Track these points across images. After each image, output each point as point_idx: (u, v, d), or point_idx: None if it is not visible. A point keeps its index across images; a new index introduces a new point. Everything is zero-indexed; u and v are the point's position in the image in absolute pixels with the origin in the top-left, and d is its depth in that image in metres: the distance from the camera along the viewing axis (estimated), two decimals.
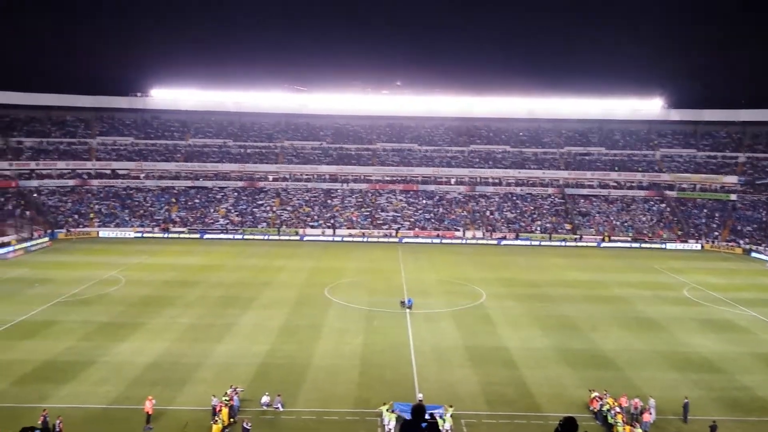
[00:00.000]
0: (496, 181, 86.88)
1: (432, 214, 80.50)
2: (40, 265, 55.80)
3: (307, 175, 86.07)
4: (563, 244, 74.68)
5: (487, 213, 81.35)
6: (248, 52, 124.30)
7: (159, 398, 25.81)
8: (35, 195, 77.62)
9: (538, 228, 78.39)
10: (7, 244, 62.74)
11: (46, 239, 67.48)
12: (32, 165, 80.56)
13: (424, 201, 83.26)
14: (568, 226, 79.01)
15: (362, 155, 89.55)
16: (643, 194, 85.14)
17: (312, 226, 76.75)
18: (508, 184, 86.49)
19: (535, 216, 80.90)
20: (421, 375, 30.21)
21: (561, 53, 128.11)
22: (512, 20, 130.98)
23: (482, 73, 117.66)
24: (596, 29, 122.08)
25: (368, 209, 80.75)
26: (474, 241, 74.59)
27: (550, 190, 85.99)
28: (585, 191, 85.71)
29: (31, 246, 64.26)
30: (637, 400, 26.32)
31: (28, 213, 72.31)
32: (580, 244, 74.89)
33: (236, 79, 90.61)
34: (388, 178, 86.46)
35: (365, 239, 74.07)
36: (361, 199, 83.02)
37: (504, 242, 74.54)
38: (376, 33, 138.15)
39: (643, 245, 74.55)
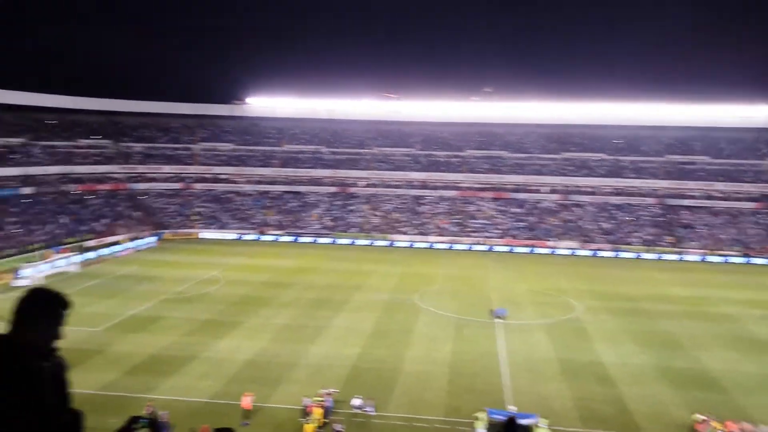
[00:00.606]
0: (591, 190, 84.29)
1: (523, 223, 79.14)
2: (148, 264, 59.25)
3: (397, 181, 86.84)
4: (663, 257, 71.32)
5: (582, 223, 79.05)
6: (341, 61, 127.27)
7: (256, 395, 26.79)
8: (143, 197, 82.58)
9: (637, 240, 75.34)
10: (120, 243, 67.12)
11: (153, 239, 71.53)
12: (141, 169, 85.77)
13: (515, 209, 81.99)
14: (668, 239, 75.46)
15: (452, 162, 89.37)
16: (752, 206, 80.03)
17: (402, 232, 77.30)
18: (604, 194, 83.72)
19: (633, 227, 77.82)
20: (512, 386, 29.78)
21: (661, 57, 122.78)
22: (607, 22, 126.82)
23: (576, 78, 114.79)
24: (700, 31, 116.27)
25: (458, 217, 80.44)
26: (567, 252, 72.62)
27: (650, 201, 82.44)
28: (687, 202, 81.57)
29: (140, 245, 68.33)
30: (746, 423, 24.81)
31: (137, 214, 77.00)
32: (681, 257, 71.27)
33: (329, 87, 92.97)
34: (478, 186, 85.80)
35: (455, 247, 73.70)
36: (450, 207, 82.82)
37: (599, 253, 72.12)
38: (467, 39, 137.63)
39: (753, 260, 70.00)
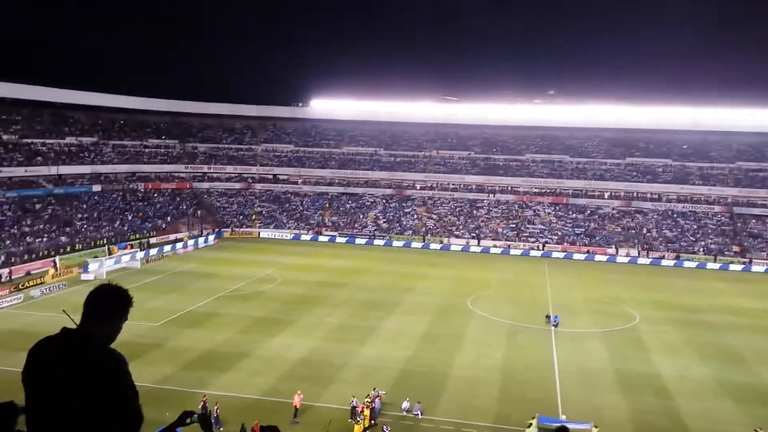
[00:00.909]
0: (655, 196, 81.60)
1: (582, 229, 77.36)
2: (207, 261, 60.92)
3: (453, 184, 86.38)
4: (729, 267, 68.37)
5: (644, 230, 76.65)
6: (401, 63, 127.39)
7: (306, 394, 27.18)
8: (206, 196, 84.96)
9: (701, 249, 72.49)
10: (181, 240, 69.27)
11: (214, 237, 73.47)
12: (205, 168, 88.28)
13: (574, 215, 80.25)
14: (736, 249, 72.30)
15: (510, 166, 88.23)
16: None
17: (457, 236, 76.85)
18: (669, 201, 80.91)
19: (698, 236, 74.93)
20: (565, 396, 29.19)
21: (734, 59, 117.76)
22: (675, 20, 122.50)
23: (642, 81, 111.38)
24: None
25: (515, 221, 79.37)
26: (627, 260, 70.54)
27: (717, 209, 79.16)
28: (758, 211, 77.86)
29: (201, 243, 70.31)
30: None
31: (199, 212, 79.30)
32: (748, 268, 68.14)
33: (389, 90, 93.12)
34: (536, 190, 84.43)
35: (510, 252, 72.71)
36: (507, 211, 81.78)
37: (661, 262, 69.74)
38: (528, 41, 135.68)
39: None
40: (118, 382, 2.99)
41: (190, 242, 69.27)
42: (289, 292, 48.53)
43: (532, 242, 74.95)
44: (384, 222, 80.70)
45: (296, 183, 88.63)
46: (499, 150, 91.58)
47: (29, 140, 71.80)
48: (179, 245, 67.32)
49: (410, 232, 78.49)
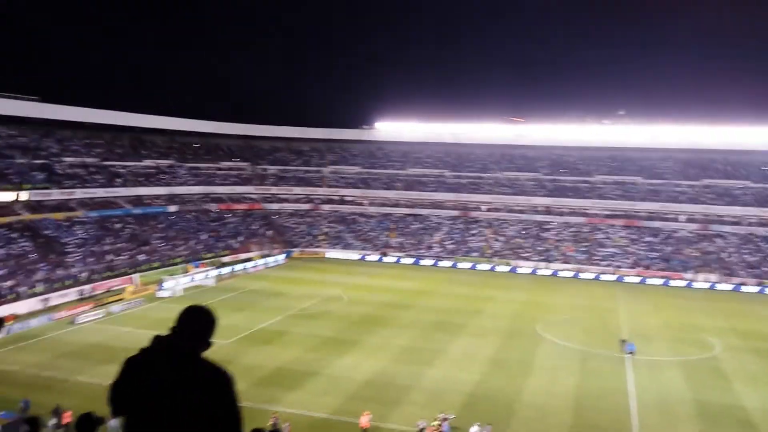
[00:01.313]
0: (735, 219, 78.05)
1: (657, 253, 74.66)
2: (277, 280, 62.13)
3: (520, 206, 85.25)
4: None
5: (724, 255, 73.29)
6: (467, 85, 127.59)
7: (373, 415, 27.18)
8: (276, 217, 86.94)
9: None
10: (252, 260, 71.03)
11: (283, 257, 74.95)
12: (274, 190, 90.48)
13: (648, 238, 77.60)
14: None
15: (579, 188, 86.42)
16: None
17: (525, 259, 75.58)
18: (750, 224, 77.20)
19: None
20: (641, 426, 28.08)
21: None
22: (749, 40, 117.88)
23: (717, 100, 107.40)
24: None
25: (585, 244, 77.45)
26: (706, 285, 67.48)
27: None
28: None
29: (270, 262, 71.84)
30: None
31: (269, 233, 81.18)
32: None
33: (455, 111, 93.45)
34: (607, 213, 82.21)
35: (580, 276, 70.82)
36: (577, 233, 79.94)
37: (743, 288, 66.39)
38: (597, 60, 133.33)
39: None
40: (230, 400, 3.13)
41: (261, 261, 70.89)
42: (355, 312, 48.86)
43: (604, 266, 72.84)
44: (450, 243, 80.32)
45: (362, 204, 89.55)
46: (568, 171, 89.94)
47: (110, 163, 75.53)
48: (250, 264, 69.00)
49: (476, 254, 77.78)
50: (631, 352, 39.22)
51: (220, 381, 3.13)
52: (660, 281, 68.73)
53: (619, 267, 72.30)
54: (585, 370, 36.24)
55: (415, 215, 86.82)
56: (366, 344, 39.94)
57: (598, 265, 73.21)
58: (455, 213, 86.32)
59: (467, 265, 74.71)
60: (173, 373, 3.07)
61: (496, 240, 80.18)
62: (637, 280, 69.39)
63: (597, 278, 70.07)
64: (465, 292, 59.12)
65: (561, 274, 71.40)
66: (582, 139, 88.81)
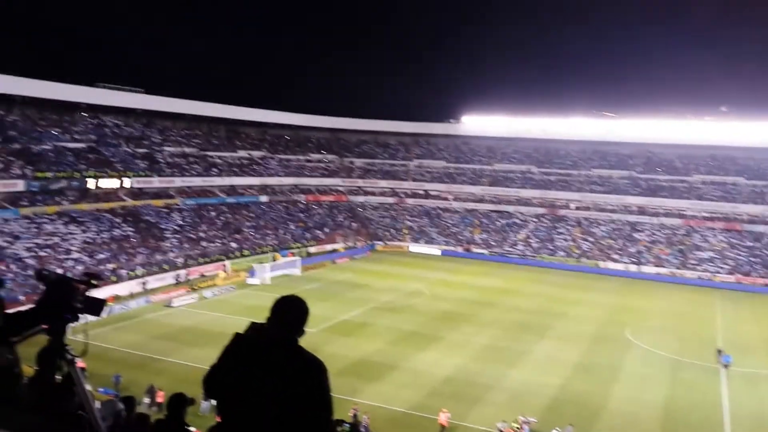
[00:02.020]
0: None
1: (760, 259, 70.18)
2: (360, 272, 63.06)
3: (611, 205, 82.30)
4: None
5: None
6: (555, 78, 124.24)
7: (452, 413, 27.19)
8: (361, 209, 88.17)
9: None
10: (337, 251, 72.48)
11: (367, 249, 75.96)
12: (360, 183, 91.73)
13: (749, 243, 73.04)
14: None
15: (676, 187, 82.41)
16: None
17: (615, 260, 73.01)
18: None
19: None
20: None
21: None
22: None
23: None
24: None
25: (680, 247, 73.87)
26: None
27: None
28: None
29: (355, 254, 73.00)
30: None
31: (354, 225, 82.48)
32: None
33: (543, 106, 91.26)
34: (705, 215, 77.97)
35: (675, 280, 67.62)
36: (672, 235, 76.35)
37: None
38: (696, 51, 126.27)
39: None
40: (324, 390, 3.18)
41: (346, 253, 72.17)
42: (437, 307, 48.88)
43: (700, 271, 69.24)
44: (535, 242, 78.76)
45: (447, 199, 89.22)
46: (664, 170, 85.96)
47: (207, 153, 78.94)
48: (336, 255, 70.43)
49: (563, 253, 75.86)
50: (726, 364, 37.13)
51: (315, 370, 3.19)
52: (761, 289, 64.53)
53: (716, 272, 68.52)
54: (676, 380, 34.71)
55: (500, 212, 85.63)
56: (447, 340, 39.94)
57: (693, 269, 69.67)
58: (542, 210, 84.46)
59: (553, 264, 73.02)
60: (270, 361, 3.15)
61: (585, 240, 77.87)
62: (736, 286, 65.47)
63: (692, 283, 66.65)
64: (550, 292, 57.84)
65: (653, 277, 68.41)
66: (680, 137, 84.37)
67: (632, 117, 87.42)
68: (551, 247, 77.22)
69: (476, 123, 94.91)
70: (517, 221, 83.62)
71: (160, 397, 26.11)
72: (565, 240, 78.40)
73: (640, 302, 55.80)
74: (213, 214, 70.26)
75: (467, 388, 31.50)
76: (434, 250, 78.38)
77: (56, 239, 51.42)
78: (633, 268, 70.85)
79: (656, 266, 70.74)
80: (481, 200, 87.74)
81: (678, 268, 69.93)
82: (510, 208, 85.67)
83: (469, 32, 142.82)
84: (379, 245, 79.62)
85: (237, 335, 3.32)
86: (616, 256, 73.56)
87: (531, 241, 79.06)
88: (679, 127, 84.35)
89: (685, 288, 64.28)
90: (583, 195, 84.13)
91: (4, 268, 43.80)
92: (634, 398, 31.34)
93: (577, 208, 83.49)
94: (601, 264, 72.43)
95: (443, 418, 26.38)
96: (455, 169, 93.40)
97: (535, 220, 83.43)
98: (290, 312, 3.36)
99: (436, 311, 47.66)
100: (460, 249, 78.61)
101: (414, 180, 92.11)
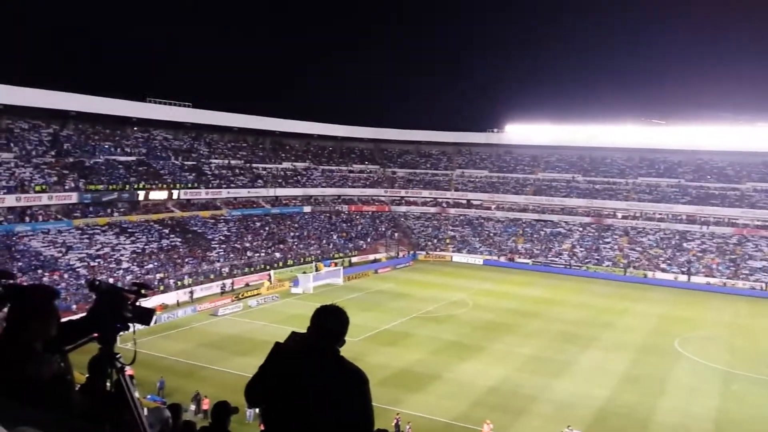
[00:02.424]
0: None
1: None
2: (402, 282, 63.12)
3: (660, 214, 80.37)
4: None
5: None
6: (601, 85, 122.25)
7: (495, 424, 26.97)
8: (403, 219, 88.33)
9: None
10: (380, 261, 72.73)
11: (409, 259, 76.01)
12: (402, 193, 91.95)
13: None
14: None
15: (727, 196, 79.94)
16: None
17: (663, 270, 71.24)
18: None
19: None
20: None
21: None
22: None
23: None
24: None
25: (732, 257, 71.60)
26: None
27: None
28: None
29: (397, 264, 73.11)
30: None
31: (396, 235, 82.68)
32: None
33: (588, 113, 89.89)
34: (758, 223, 75.36)
35: (727, 290, 65.52)
36: (723, 245, 74.07)
37: None
38: (748, 56, 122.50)
39: None
40: (366, 400, 3.24)
41: (388, 263, 72.35)
42: (480, 317, 48.54)
43: (753, 281, 66.99)
44: (581, 251, 77.47)
45: (489, 208, 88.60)
46: (714, 178, 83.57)
47: (253, 165, 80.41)
48: (378, 265, 70.67)
49: (609, 263, 74.42)
50: None
51: (356, 381, 3.24)
52: None
53: None
54: (728, 392, 33.64)
55: (544, 221, 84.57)
56: (490, 351, 39.63)
57: (745, 279, 67.46)
58: (587, 219, 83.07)
59: (599, 274, 71.68)
60: (311, 371, 3.21)
61: (632, 249, 76.24)
62: None
63: (744, 293, 64.51)
64: (596, 302, 56.80)
65: (703, 288, 66.46)
66: (731, 143, 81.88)
67: (682, 123, 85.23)
68: (597, 257, 75.88)
69: (520, 132, 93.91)
70: (562, 230, 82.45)
71: (206, 405, 26.67)
72: (612, 250, 76.93)
73: (689, 312, 54.32)
74: (258, 224, 71.45)
75: (511, 399, 31.20)
76: (477, 260, 77.92)
77: (107, 249, 53.11)
78: (682, 278, 69.03)
79: (706, 276, 68.74)
80: (524, 209, 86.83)
81: (729, 278, 67.81)
82: (554, 218, 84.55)
83: (512, 40, 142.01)
84: (421, 255, 79.58)
85: (278, 345, 3.39)
86: (664, 266, 71.80)
87: (576, 250, 77.82)
88: (730, 133, 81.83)
89: (737, 298, 62.23)
90: (631, 204, 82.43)
91: (57, 277, 45.46)
92: (683, 410, 30.51)
93: (624, 217, 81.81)
94: (649, 274, 70.79)
95: (487, 429, 26.19)
96: (498, 178, 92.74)
97: (580, 229, 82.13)
98: (330, 321, 3.40)
99: (479, 321, 47.34)
100: (503, 258, 77.96)
101: (456, 189, 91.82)
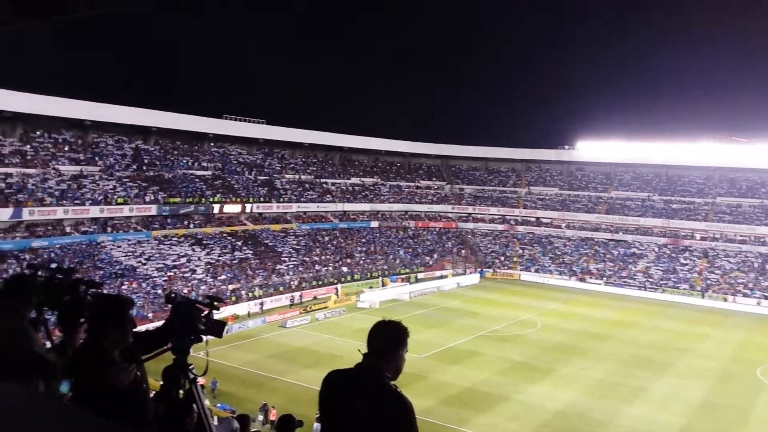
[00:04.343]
0: None
1: None
2: (469, 300, 62.47)
3: (742, 235, 76.50)
4: None
5: None
6: (677, 101, 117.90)
7: None
8: (470, 236, 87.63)
9: None
10: (446, 277, 72.32)
11: (476, 277, 75.19)
12: (470, 209, 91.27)
13: None
14: None
15: None
16: None
17: (745, 295, 67.64)
18: None
19: None
20: None
21: None
22: None
23: None
24: None
25: None
26: None
27: None
28: None
29: (463, 281, 72.47)
30: None
31: (463, 252, 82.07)
32: None
33: (664, 130, 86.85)
34: None
35: None
36: None
37: None
38: None
39: None
40: (409, 428, 3.23)
41: (454, 280, 71.82)
42: (549, 338, 47.43)
43: None
44: (656, 273, 74.59)
45: (559, 227, 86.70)
46: None
47: (322, 180, 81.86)
48: (444, 282, 70.23)
49: (686, 286, 71.30)
50: None
51: (401, 408, 3.23)
52: None
53: None
54: None
55: (617, 241, 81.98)
56: (559, 373, 38.63)
57: None
58: (663, 240, 79.94)
59: (675, 297, 68.75)
60: (359, 393, 3.26)
61: (711, 272, 72.81)
62: None
63: None
64: (672, 326, 54.46)
65: None
66: None
67: (765, 141, 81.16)
68: (673, 279, 72.84)
69: (592, 148, 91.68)
70: (636, 251, 79.68)
71: (273, 416, 27.14)
72: (690, 272, 73.71)
73: None
74: (326, 238, 72.51)
75: (580, 424, 30.30)
76: (546, 279, 76.27)
77: (183, 260, 55.11)
78: (766, 303, 65.29)
79: None
80: (596, 228, 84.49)
81: None
82: (628, 237, 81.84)
83: (584, 55, 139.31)
84: (488, 272, 78.61)
85: (341, 370, 3.45)
86: (746, 291, 68.16)
87: (651, 272, 75.01)
88: None
89: None
90: (710, 224, 78.86)
91: (135, 286, 47.49)
92: None
93: (703, 239, 78.32)
94: (729, 298, 67.37)
95: None
96: (569, 196, 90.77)
97: (655, 250, 79.16)
98: (380, 337, 3.40)
99: (548, 342, 46.25)
100: (573, 278, 76.03)
101: (525, 207, 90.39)
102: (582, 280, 75.26)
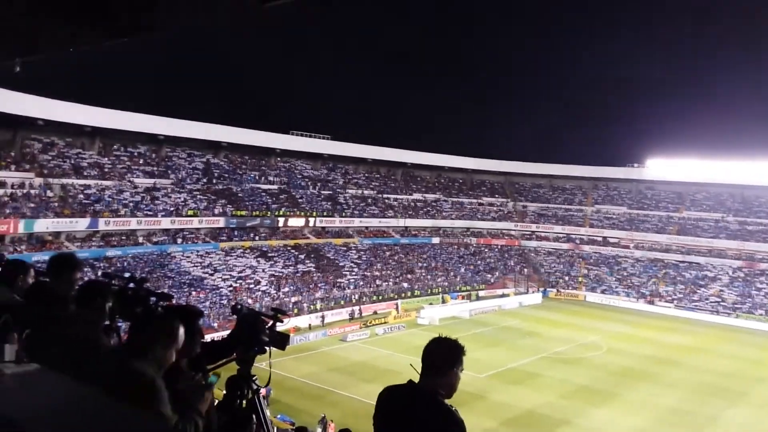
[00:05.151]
0: None
1: None
2: (531, 319, 61.24)
3: None
4: None
5: None
6: (752, 118, 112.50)
7: None
8: (533, 254, 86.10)
9: None
10: (507, 296, 71.22)
11: (539, 296, 73.71)
12: (533, 227, 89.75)
13: None
14: None
15: None
16: None
17: None
18: None
19: None
20: None
21: None
22: None
23: None
24: None
25: None
26: None
27: None
28: None
29: (525, 300, 71.15)
30: None
31: (525, 270, 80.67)
32: None
33: (739, 148, 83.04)
34: None
35: None
36: None
37: None
38: None
39: None
40: None
41: (516, 299, 70.64)
42: (614, 362, 45.90)
43: None
44: (730, 297, 71.19)
45: (627, 247, 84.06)
46: None
47: (385, 195, 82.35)
48: (505, 300, 69.16)
49: (762, 312, 67.70)
50: None
51: (451, 427, 3.23)
52: None
53: None
54: None
55: (689, 263, 78.77)
56: (625, 399, 37.29)
57: None
58: (738, 263, 76.28)
59: (751, 323, 65.37)
60: (412, 410, 3.27)
61: None
62: None
63: None
64: (748, 353, 51.74)
65: None
66: None
67: None
68: (749, 304, 69.34)
69: (662, 167, 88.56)
70: (709, 274, 76.33)
71: (332, 429, 27.30)
72: (766, 297, 70.01)
73: None
74: (387, 253, 72.76)
75: None
76: (613, 301, 73.97)
77: (248, 272, 56.43)
78: None
79: None
80: (667, 250, 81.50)
81: None
82: (701, 260, 78.53)
83: (654, 70, 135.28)
84: (551, 292, 76.92)
85: (394, 386, 3.49)
86: None
87: (724, 296, 71.67)
88: None
89: None
90: None
91: (202, 296, 48.89)
92: None
93: None
94: None
95: None
96: (638, 216, 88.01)
97: (729, 273, 75.62)
98: (435, 354, 3.38)
99: (614, 366, 44.75)
100: (642, 301, 73.46)
101: (591, 226, 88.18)
102: (651, 302, 72.61)
